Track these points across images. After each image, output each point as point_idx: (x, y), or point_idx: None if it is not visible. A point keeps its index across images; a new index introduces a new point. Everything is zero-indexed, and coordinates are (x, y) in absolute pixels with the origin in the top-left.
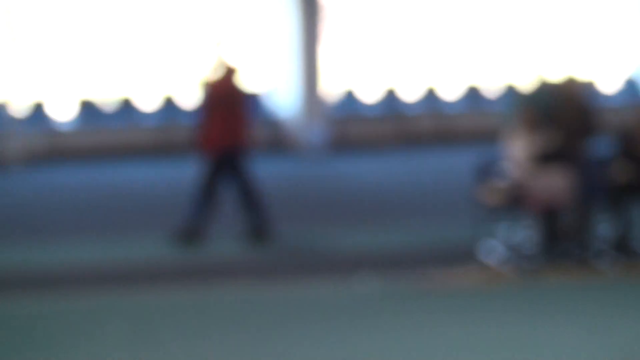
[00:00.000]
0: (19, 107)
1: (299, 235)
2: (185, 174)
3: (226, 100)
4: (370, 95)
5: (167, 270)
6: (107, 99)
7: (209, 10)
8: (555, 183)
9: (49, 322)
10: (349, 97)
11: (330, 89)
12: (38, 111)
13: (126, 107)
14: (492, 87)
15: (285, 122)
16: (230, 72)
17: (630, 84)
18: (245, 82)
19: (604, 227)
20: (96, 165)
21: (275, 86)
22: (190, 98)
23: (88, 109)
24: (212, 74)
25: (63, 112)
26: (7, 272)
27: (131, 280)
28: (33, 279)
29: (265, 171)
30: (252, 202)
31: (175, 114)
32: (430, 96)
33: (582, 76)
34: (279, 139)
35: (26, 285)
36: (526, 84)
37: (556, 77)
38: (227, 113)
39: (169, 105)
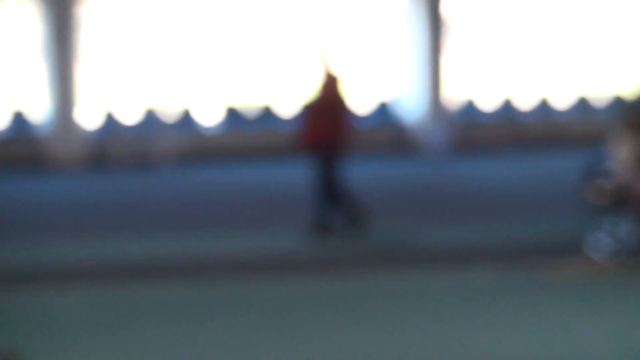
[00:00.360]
0: (169, 112)
1: (420, 230)
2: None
3: (328, 105)
4: (488, 102)
5: (298, 261)
6: (249, 105)
7: (336, 21)
8: None
9: (193, 307)
10: (470, 104)
11: (453, 97)
12: (187, 116)
13: (266, 112)
14: (599, 96)
15: (411, 126)
16: (333, 80)
17: None
18: (347, 90)
19: None
20: (238, 165)
21: (402, 93)
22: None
23: (232, 114)
24: (318, 81)
25: (209, 117)
26: (160, 260)
27: (263, 269)
28: (183, 267)
29: (391, 171)
30: (339, 199)
31: None
32: (543, 104)
33: None
34: (404, 142)
35: (177, 272)
36: (630, 93)
37: None
38: (328, 117)
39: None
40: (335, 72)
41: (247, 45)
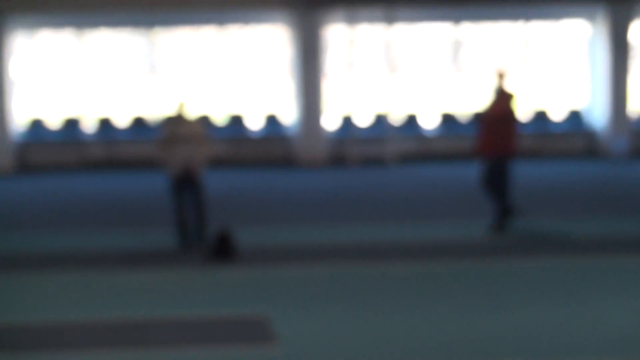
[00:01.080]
0: (396, 117)
1: (600, 222)
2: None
3: (500, 118)
4: None
5: (481, 247)
6: (463, 112)
7: (530, 42)
8: None
9: (405, 283)
10: None
11: (634, 107)
12: (411, 121)
13: (477, 118)
14: None
15: (598, 133)
16: (506, 97)
17: None
18: (518, 106)
19: None
20: (453, 165)
21: (590, 104)
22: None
23: (448, 119)
24: (493, 96)
25: (429, 122)
26: (384, 244)
27: (440, 254)
28: (401, 250)
29: (580, 173)
30: (500, 199)
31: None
32: None
33: None
34: (593, 148)
35: (397, 254)
36: None
37: None
38: (499, 128)
39: None
40: (509, 89)
41: (460, 62)
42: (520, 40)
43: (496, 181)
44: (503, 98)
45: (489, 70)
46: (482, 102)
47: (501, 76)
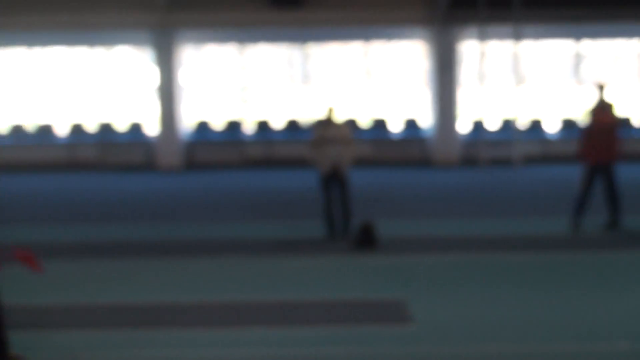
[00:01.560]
0: (522, 123)
1: None
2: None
3: (604, 127)
4: None
5: (595, 240)
6: (582, 118)
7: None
8: None
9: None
10: None
11: None
12: (535, 126)
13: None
14: None
15: None
16: (608, 107)
17: None
18: (619, 115)
19: None
20: (573, 166)
21: None
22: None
23: (569, 125)
24: (595, 106)
25: (552, 127)
26: (501, 236)
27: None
28: (513, 241)
29: None
30: (614, 200)
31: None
32: None
33: None
34: None
35: (509, 245)
36: None
37: None
38: (603, 136)
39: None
40: (608, 100)
41: (580, 74)
42: (634, 55)
43: (595, 186)
44: (604, 108)
45: (598, 82)
46: (585, 111)
47: (601, 88)
